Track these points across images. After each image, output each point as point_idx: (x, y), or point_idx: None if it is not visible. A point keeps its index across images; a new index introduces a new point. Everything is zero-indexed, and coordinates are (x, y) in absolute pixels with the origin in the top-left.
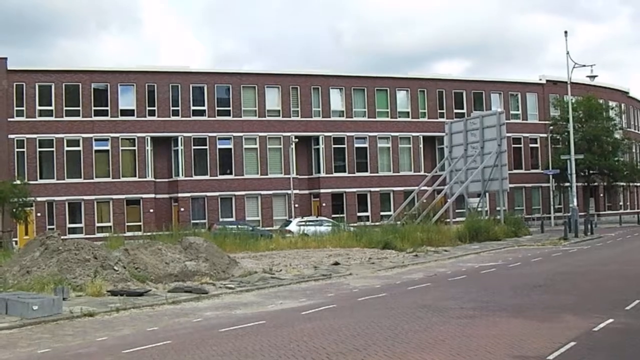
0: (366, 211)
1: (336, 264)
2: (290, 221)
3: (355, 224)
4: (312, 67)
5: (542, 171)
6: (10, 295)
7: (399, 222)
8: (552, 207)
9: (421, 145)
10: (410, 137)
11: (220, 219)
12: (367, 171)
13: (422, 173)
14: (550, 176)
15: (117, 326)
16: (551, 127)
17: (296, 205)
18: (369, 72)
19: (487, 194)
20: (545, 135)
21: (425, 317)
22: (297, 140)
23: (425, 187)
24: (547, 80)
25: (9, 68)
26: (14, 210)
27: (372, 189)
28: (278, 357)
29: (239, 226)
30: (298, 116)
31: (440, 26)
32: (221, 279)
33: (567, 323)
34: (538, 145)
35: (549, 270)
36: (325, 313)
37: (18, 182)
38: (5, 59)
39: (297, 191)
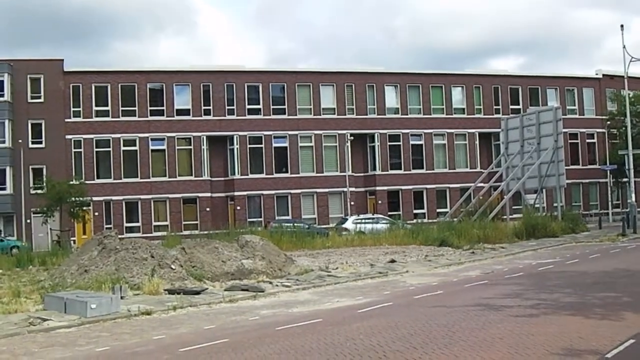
0: (422, 208)
1: (392, 261)
2: (347, 219)
3: (411, 222)
4: (367, 64)
5: (599, 167)
6: (69, 294)
7: (455, 219)
8: (609, 203)
9: (477, 142)
10: (466, 134)
11: (276, 217)
12: (423, 168)
13: (478, 170)
14: (608, 172)
15: (174, 325)
16: (608, 122)
17: (352, 203)
18: (423, 69)
19: (544, 190)
20: (602, 130)
21: (483, 314)
22: (352, 137)
23: (482, 184)
24: (603, 75)
25: (65, 70)
26: (72, 209)
27: (428, 186)
28: (335, 355)
29: (295, 224)
30: (353, 114)
31: (494, 22)
32: (278, 277)
33: (626, 321)
34: (595, 140)
35: (607, 267)
36: (382, 311)
37: (75, 182)
38: (62, 60)
39: (352, 189)
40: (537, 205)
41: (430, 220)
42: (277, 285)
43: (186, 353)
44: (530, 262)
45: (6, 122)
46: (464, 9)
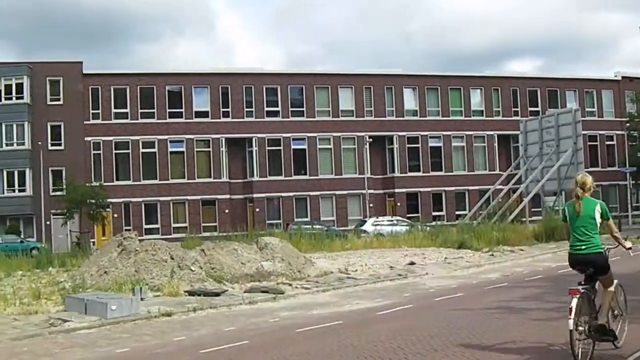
0: (441, 211)
1: (412, 263)
2: (365, 221)
3: (430, 224)
4: (384, 67)
5: (619, 169)
6: (89, 296)
7: (474, 222)
8: (629, 205)
9: (496, 144)
10: (485, 136)
11: (295, 219)
12: (441, 170)
13: (497, 172)
14: (628, 174)
15: (195, 326)
16: (628, 124)
17: (371, 205)
18: (441, 71)
19: (563, 193)
20: (621, 132)
21: (503, 317)
22: (371, 140)
23: (501, 186)
24: (622, 77)
25: (84, 72)
26: (91, 212)
27: (447, 189)
28: (356, 357)
29: (314, 226)
30: (372, 116)
31: (512, 25)
32: (297, 279)
33: None
34: (614, 142)
35: (629, 269)
36: (402, 313)
37: (96, 184)
38: (81, 63)
39: (371, 191)
40: (556, 208)
41: (449, 223)
42: (296, 287)
43: (206, 355)
44: (550, 264)
45: (25, 124)
46: (480, 12)
